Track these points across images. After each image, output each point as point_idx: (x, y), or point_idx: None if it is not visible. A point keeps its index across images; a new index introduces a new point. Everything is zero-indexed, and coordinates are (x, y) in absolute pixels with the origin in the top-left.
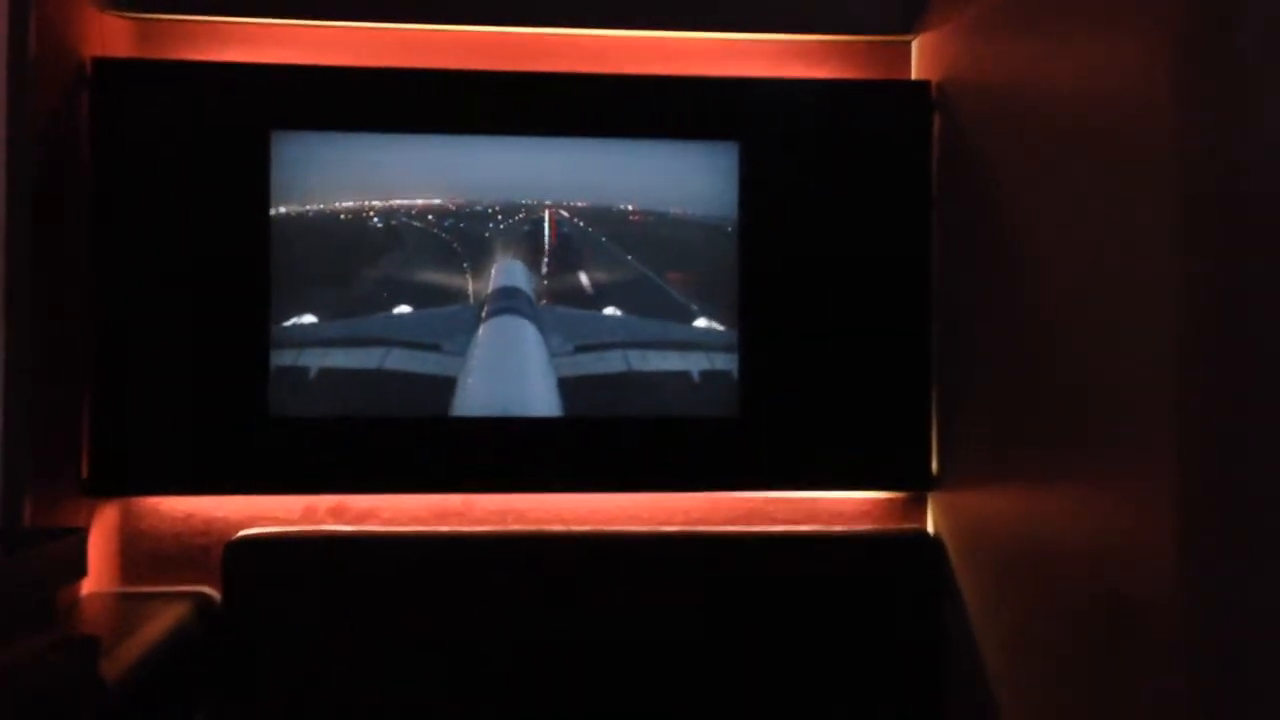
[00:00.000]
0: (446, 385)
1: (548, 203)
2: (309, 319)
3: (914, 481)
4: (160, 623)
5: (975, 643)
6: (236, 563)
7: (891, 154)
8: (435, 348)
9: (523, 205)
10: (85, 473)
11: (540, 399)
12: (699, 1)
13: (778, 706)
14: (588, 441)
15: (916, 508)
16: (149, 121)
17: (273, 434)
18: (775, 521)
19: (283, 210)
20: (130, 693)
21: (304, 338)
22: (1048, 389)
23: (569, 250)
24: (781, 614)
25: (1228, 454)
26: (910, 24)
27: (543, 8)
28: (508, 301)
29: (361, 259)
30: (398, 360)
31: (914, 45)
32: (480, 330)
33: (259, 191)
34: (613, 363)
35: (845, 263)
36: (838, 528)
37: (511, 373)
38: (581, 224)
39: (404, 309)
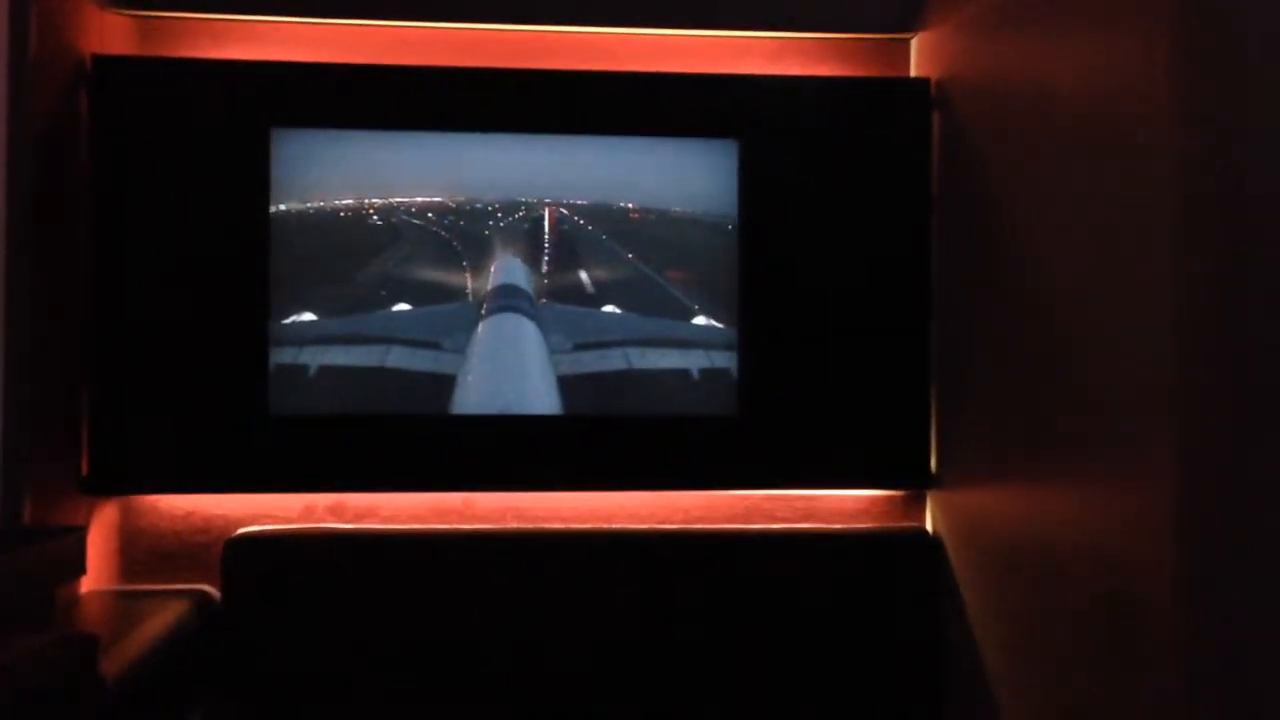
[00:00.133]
0: (446, 383)
1: (547, 200)
2: (309, 317)
3: (913, 480)
4: (159, 621)
5: (974, 641)
6: (236, 561)
7: (891, 152)
8: (435, 345)
9: (522, 203)
10: (85, 471)
11: (540, 397)
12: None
13: (777, 704)
14: (587, 439)
15: (916, 506)
16: (149, 119)
17: (272, 432)
18: (775, 520)
19: (282, 208)
20: (129, 690)
21: (304, 335)
22: (1047, 387)
23: (569, 248)
24: (781, 612)
25: (1228, 454)
26: (910, 22)
27: (542, 5)
28: (508, 299)
29: (361, 257)
30: (397, 358)
31: (913, 43)
32: (480, 328)
33: (259, 189)
34: (612, 361)
35: (845, 261)
36: (837, 526)
37: (511, 371)
38: (581, 221)
39: (404, 307)
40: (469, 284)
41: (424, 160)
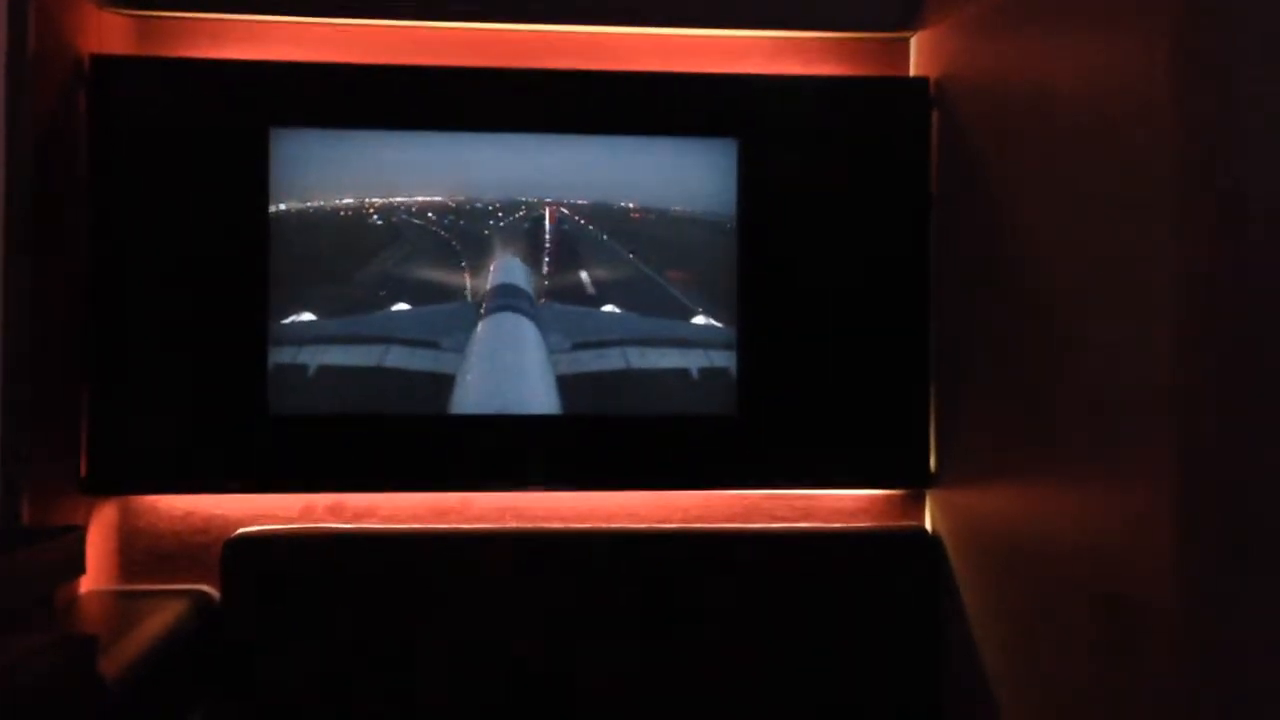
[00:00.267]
0: (445, 383)
1: (548, 200)
2: (308, 316)
3: (912, 479)
4: (159, 621)
5: (973, 640)
6: (235, 561)
7: (890, 151)
8: (434, 345)
9: (523, 202)
10: (84, 471)
11: (539, 396)
12: None
13: (777, 703)
14: (586, 439)
15: (915, 505)
16: (147, 119)
17: (271, 432)
18: (774, 519)
19: (282, 207)
20: (129, 690)
21: (303, 335)
22: (1047, 387)
23: (569, 247)
24: (780, 611)
25: (1228, 454)
26: (909, 21)
27: (542, 5)
28: (507, 299)
29: (360, 256)
30: (396, 358)
31: (913, 42)
32: (479, 327)
33: (258, 189)
34: (612, 360)
35: (844, 260)
36: (836, 525)
37: (510, 370)
38: (581, 221)
39: (403, 306)
40: (468, 284)
41: (424, 160)
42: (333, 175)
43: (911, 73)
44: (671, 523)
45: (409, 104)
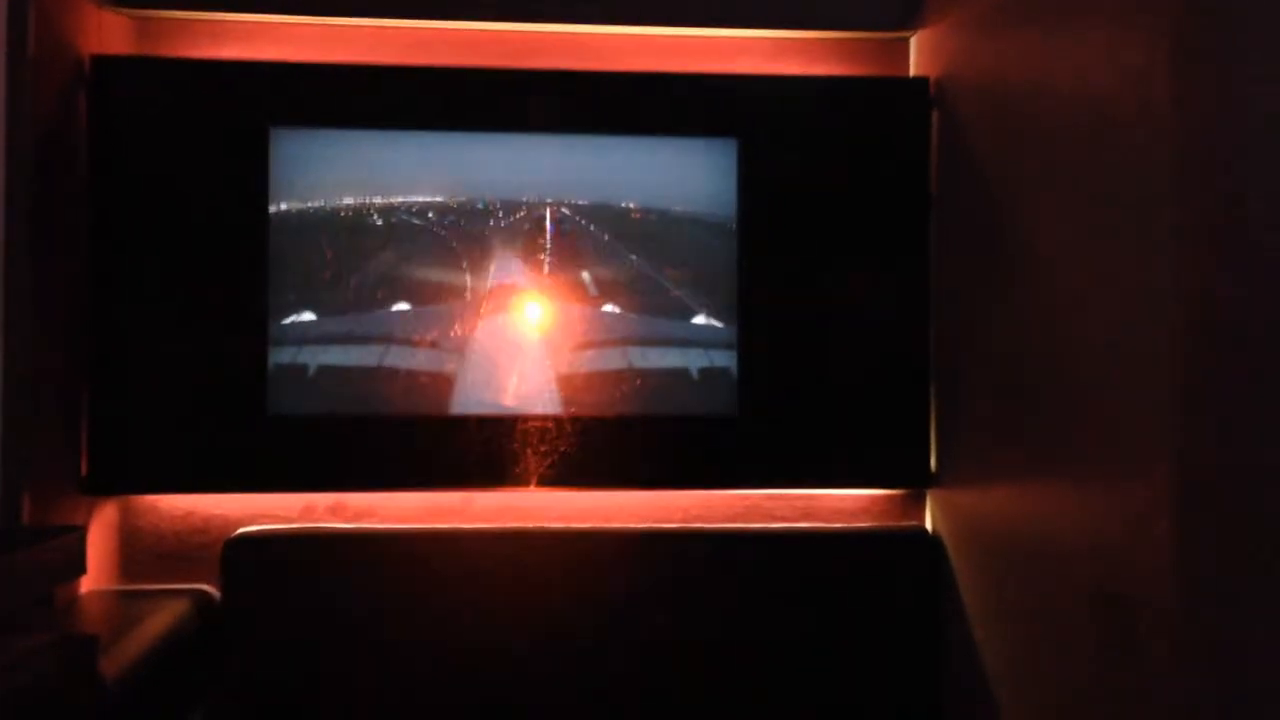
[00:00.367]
0: (445, 383)
1: (548, 200)
2: (308, 316)
3: (913, 479)
4: (159, 621)
5: (974, 641)
6: (235, 560)
7: (890, 151)
8: (434, 345)
9: (523, 203)
10: (84, 470)
11: (539, 396)
12: None
13: (776, 703)
14: (586, 439)
15: (915, 505)
16: (147, 119)
17: (271, 431)
18: (774, 519)
19: (282, 207)
20: (129, 691)
21: (303, 335)
22: (1047, 387)
23: (569, 248)
24: (780, 611)
25: (1228, 454)
26: (909, 20)
27: (542, 5)
28: (507, 299)
29: (360, 256)
30: (396, 358)
31: (913, 42)
32: (479, 327)
33: (258, 189)
34: (612, 360)
35: (844, 260)
36: (836, 525)
37: (510, 370)
38: (582, 221)
39: (403, 306)
40: (468, 284)
41: (424, 159)
42: (333, 175)
43: (911, 73)
44: (671, 523)
45: (409, 104)
